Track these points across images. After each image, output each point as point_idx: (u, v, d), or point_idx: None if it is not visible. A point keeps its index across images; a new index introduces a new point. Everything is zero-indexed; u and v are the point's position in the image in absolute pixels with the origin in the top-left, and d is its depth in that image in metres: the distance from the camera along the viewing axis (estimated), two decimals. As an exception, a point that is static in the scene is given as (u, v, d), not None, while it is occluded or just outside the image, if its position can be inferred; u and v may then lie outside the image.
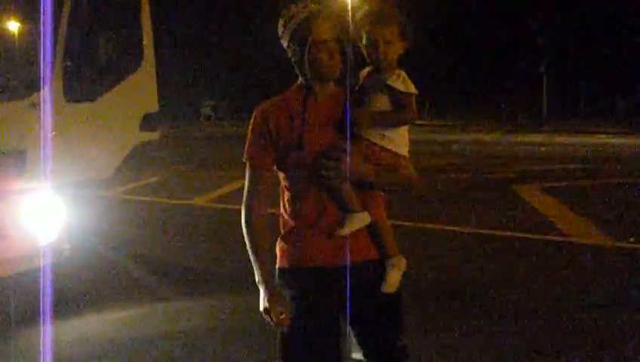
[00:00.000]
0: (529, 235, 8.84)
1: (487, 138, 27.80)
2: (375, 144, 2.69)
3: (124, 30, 9.43)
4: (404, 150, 2.76)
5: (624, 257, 7.73)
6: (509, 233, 8.97)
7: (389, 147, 2.70)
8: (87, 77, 8.79)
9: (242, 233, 2.70)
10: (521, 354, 4.96)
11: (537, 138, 27.31)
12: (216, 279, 7.02)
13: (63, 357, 4.98)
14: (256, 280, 2.72)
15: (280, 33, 2.70)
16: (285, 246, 2.77)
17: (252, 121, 2.75)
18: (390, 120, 2.69)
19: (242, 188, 2.77)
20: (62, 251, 5.77)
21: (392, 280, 2.73)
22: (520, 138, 27.08)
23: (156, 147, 9.74)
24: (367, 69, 2.78)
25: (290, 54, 2.72)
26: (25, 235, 5.53)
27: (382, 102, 2.69)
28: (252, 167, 2.75)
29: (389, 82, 2.66)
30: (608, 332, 5.32)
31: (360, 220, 2.67)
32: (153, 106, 9.45)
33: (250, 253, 2.74)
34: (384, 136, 2.69)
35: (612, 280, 6.74)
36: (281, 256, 2.78)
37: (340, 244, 2.69)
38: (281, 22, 2.70)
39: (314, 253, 2.71)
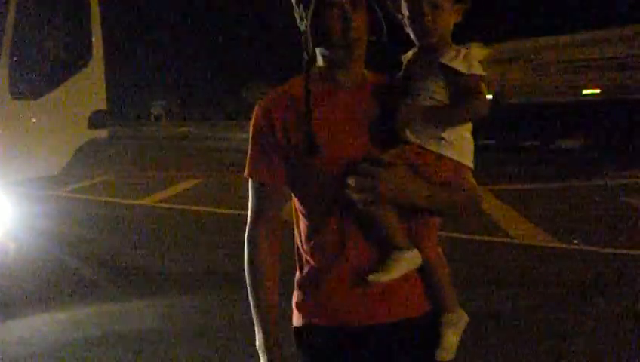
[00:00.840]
0: (476, 237, 8.96)
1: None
2: (429, 152, 1.92)
3: (72, 27, 9.30)
4: (468, 159, 1.98)
5: (568, 258, 7.90)
6: (455, 234, 9.07)
7: (450, 155, 1.93)
8: (34, 73, 8.65)
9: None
10: (475, 356, 5.04)
11: (486, 141, 27.69)
12: (166, 279, 6.98)
13: (5, 357, 4.91)
14: (256, 344, 2.03)
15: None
16: (301, 296, 2.03)
17: (252, 123, 1.99)
18: (451, 116, 1.92)
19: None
20: (7, 250, 5.70)
21: (449, 343, 2.03)
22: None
23: (105, 146, 9.63)
24: (412, 50, 2.02)
25: (301, 27, 1.97)
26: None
27: (436, 92, 1.92)
28: (256, 185, 2.01)
29: (444, 61, 1.90)
30: (557, 332, 5.44)
31: (408, 261, 1.92)
32: (102, 104, 9.33)
33: (251, 302, 2.03)
34: (442, 139, 1.91)
35: (556, 280, 6.89)
36: (297, 312, 2.05)
37: (376, 295, 1.94)
38: None
39: (338, 306, 1.96)
